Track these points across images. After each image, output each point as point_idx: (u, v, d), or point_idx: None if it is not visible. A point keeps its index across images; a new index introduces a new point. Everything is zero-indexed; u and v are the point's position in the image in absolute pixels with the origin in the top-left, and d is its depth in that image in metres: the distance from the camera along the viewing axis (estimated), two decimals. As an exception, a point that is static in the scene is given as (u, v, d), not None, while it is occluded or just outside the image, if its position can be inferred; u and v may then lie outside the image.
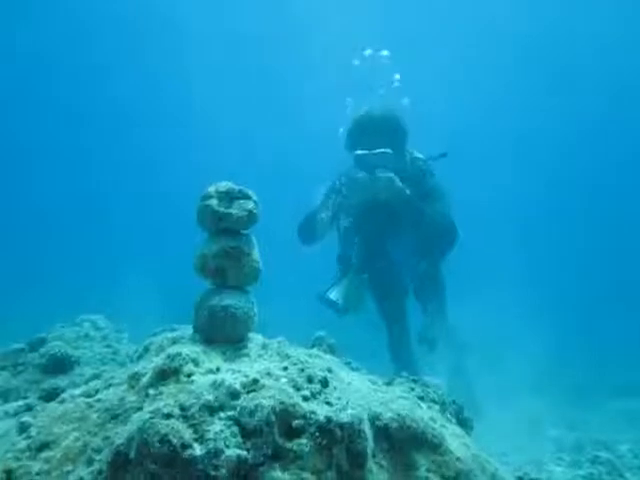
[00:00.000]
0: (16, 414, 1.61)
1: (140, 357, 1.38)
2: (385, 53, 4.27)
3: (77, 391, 1.28)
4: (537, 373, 4.92)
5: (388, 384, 1.83)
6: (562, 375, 5.43)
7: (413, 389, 1.80)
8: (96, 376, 2.00)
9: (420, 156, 3.85)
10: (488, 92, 15.98)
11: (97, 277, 11.07)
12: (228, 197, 1.40)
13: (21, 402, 1.68)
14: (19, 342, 2.56)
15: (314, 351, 1.51)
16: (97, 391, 1.27)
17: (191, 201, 1.46)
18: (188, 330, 1.82)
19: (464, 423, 1.80)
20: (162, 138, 18.30)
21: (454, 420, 1.55)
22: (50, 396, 1.85)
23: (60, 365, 2.15)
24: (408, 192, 3.41)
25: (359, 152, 3.46)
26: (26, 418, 1.15)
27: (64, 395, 1.27)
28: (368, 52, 4.50)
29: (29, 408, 1.62)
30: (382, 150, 3.41)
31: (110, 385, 1.28)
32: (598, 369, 6.09)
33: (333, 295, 3.87)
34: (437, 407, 1.57)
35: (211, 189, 1.39)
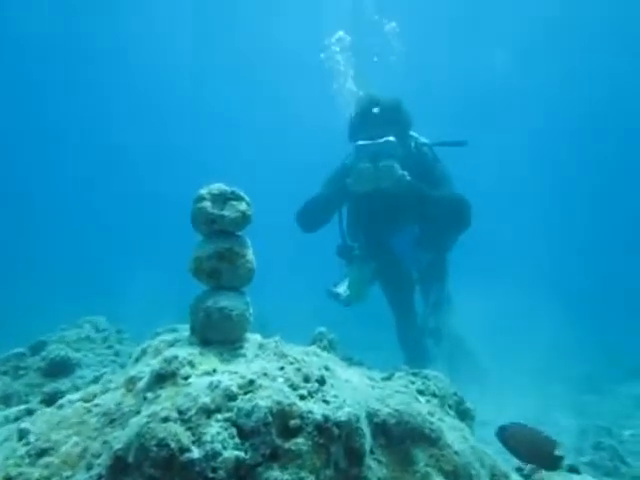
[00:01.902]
0: (17, 419, 1.62)
1: (137, 360, 1.38)
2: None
3: (75, 396, 1.28)
4: (547, 360, 4.94)
5: (387, 378, 1.84)
6: (572, 361, 5.44)
7: (413, 382, 1.81)
8: (97, 379, 2.01)
9: (426, 141, 3.76)
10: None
11: (98, 277, 11.10)
12: (221, 199, 1.39)
13: (22, 407, 1.69)
14: (20, 345, 2.57)
15: (311, 349, 1.51)
16: (95, 395, 1.28)
17: (189, 198, 1.45)
18: (186, 332, 1.83)
19: (465, 414, 1.80)
20: (166, 137, 18.24)
21: (453, 412, 1.56)
22: (52, 400, 1.86)
23: (61, 368, 2.16)
24: (409, 178, 3.37)
25: (361, 142, 3.41)
26: (25, 424, 1.15)
27: (62, 401, 1.27)
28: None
29: (30, 413, 1.63)
30: (385, 139, 3.35)
31: (108, 389, 1.28)
32: (608, 354, 6.10)
33: (338, 288, 3.88)
34: (436, 400, 1.58)
35: (203, 191, 1.39)
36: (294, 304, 7.69)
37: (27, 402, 1.84)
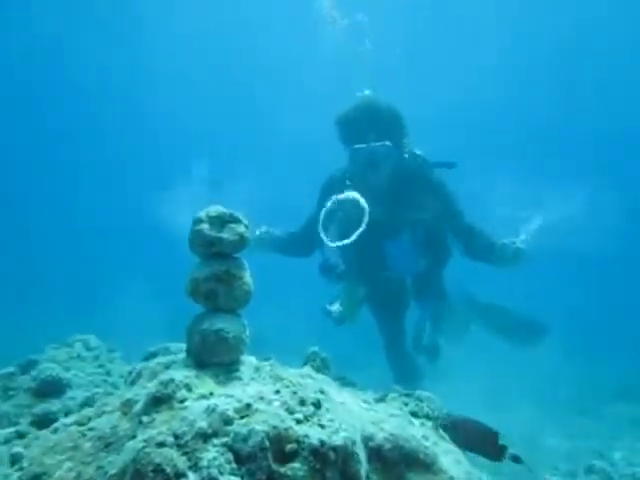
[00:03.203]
0: (7, 442, 1.59)
1: (133, 382, 1.37)
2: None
3: (69, 419, 1.27)
4: (535, 380, 4.95)
5: (381, 400, 1.84)
6: (558, 383, 5.45)
7: (407, 404, 1.82)
8: (88, 399, 1.99)
9: (419, 152, 3.70)
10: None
11: (84, 293, 10.97)
12: (219, 221, 1.41)
13: (12, 429, 1.66)
14: (9, 364, 2.53)
15: (306, 371, 1.51)
16: (90, 419, 1.27)
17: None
18: (181, 353, 1.82)
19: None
20: (155, 147, 18.18)
21: (447, 436, 1.56)
22: (42, 421, 1.84)
23: (52, 388, 2.13)
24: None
25: (357, 146, 3.34)
26: (18, 449, 1.14)
27: (56, 424, 1.26)
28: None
29: (20, 435, 1.61)
30: (381, 143, 3.31)
31: (103, 412, 1.27)
32: (597, 374, 6.12)
33: (332, 306, 3.84)
34: (430, 423, 1.58)
35: (202, 214, 1.40)
36: (290, 321, 7.67)
37: (17, 424, 1.81)
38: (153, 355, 2.54)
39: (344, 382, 2.19)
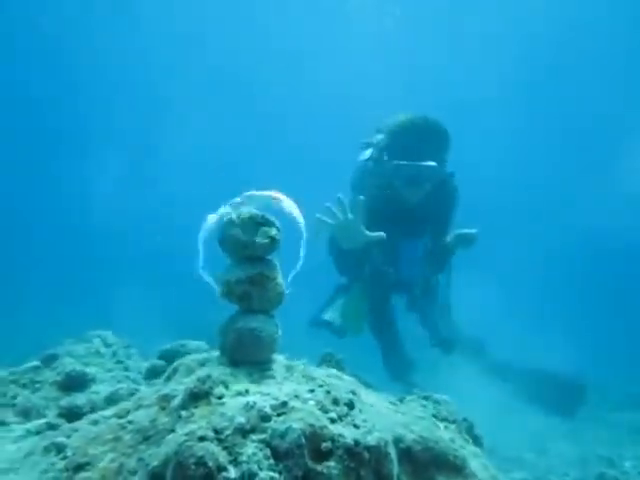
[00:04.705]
0: (38, 433, 1.64)
1: (169, 378, 1.41)
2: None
3: (108, 412, 1.31)
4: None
5: (400, 402, 1.87)
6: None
7: (425, 406, 1.84)
8: (113, 394, 2.03)
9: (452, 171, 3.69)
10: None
11: (91, 292, 11.03)
12: (251, 223, 1.44)
13: (42, 420, 1.70)
14: (22, 357, 2.58)
15: (333, 372, 1.55)
16: (128, 412, 1.30)
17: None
18: (199, 351, 1.85)
19: (475, 440, 1.83)
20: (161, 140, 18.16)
21: (471, 440, 1.59)
22: (69, 414, 1.88)
23: (76, 383, 2.17)
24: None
25: (404, 162, 3.31)
26: (61, 438, 1.18)
27: (95, 416, 1.30)
28: None
29: (51, 427, 1.65)
30: (427, 163, 3.27)
31: (140, 406, 1.31)
32: (602, 382, 6.12)
33: (328, 316, 3.81)
34: (453, 427, 1.61)
35: (234, 216, 1.44)
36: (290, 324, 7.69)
37: (44, 416, 1.86)
38: (169, 352, 2.58)
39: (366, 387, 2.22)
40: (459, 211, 3.80)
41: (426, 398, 1.91)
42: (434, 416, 1.74)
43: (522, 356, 4.80)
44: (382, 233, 3.02)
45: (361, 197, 3.04)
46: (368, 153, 3.61)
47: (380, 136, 3.56)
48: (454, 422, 1.73)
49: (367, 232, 3.03)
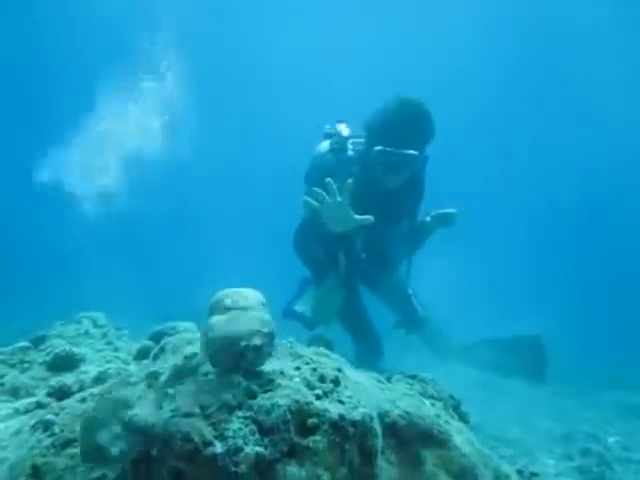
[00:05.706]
0: (27, 412, 1.64)
1: (156, 357, 1.41)
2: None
3: (96, 390, 1.32)
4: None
5: (387, 380, 1.89)
6: (554, 367, 5.52)
7: (411, 384, 1.87)
8: (101, 374, 2.03)
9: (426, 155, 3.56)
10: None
11: (81, 274, 10.98)
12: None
13: (32, 399, 1.71)
14: (13, 338, 2.57)
15: (321, 350, 1.56)
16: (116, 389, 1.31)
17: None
18: (189, 331, 1.84)
19: (461, 417, 1.86)
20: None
21: (456, 416, 1.61)
22: (58, 393, 1.88)
23: (65, 363, 2.17)
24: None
25: (388, 149, 3.21)
26: (49, 416, 1.18)
27: (83, 394, 1.30)
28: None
29: (40, 405, 1.65)
30: (410, 152, 3.19)
31: (128, 384, 1.32)
32: (591, 361, 6.23)
33: (298, 307, 3.80)
34: (440, 404, 1.63)
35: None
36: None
37: (34, 395, 1.86)
38: (160, 334, 2.58)
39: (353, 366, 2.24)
40: (427, 195, 3.79)
41: (413, 377, 1.94)
42: (421, 394, 1.76)
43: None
44: (370, 217, 2.99)
45: (349, 180, 2.99)
46: (327, 144, 3.58)
47: (342, 125, 3.61)
48: (441, 400, 1.76)
49: (356, 215, 3.00)
